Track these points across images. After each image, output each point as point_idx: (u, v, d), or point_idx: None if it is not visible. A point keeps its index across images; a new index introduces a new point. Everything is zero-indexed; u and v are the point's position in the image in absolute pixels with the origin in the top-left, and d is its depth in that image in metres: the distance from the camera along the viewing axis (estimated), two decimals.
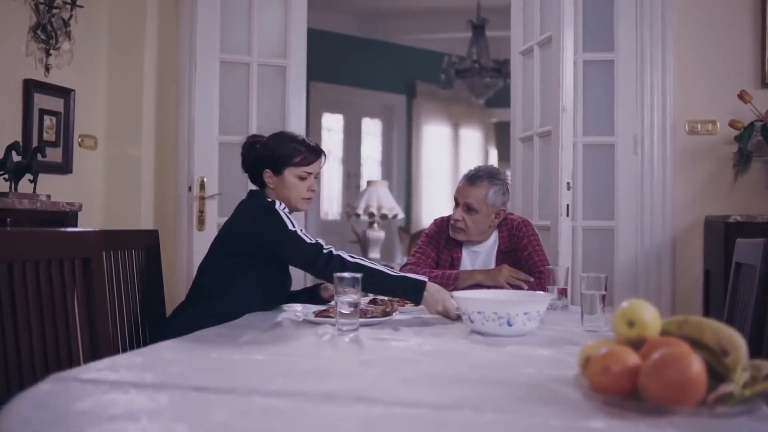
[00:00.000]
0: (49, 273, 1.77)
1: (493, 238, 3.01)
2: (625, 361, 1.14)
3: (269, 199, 2.46)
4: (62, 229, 1.93)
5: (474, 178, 2.95)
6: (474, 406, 1.14)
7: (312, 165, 2.53)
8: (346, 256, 2.24)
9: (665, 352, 1.10)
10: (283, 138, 2.57)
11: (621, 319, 1.26)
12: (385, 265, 2.32)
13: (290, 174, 2.50)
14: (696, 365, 1.07)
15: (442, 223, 3.08)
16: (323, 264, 2.22)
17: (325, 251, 2.24)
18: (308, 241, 2.29)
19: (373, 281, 2.15)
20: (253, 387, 1.25)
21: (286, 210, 2.42)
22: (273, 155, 2.50)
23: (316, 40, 6.39)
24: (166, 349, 1.64)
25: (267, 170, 2.49)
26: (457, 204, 2.96)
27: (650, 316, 1.25)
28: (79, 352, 1.84)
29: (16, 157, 3.25)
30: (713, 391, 1.08)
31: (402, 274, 2.29)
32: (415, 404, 1.15)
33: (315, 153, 2.55)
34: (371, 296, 2.55)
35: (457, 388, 1.27)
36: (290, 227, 2.32)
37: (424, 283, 2.18)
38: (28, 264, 1.71)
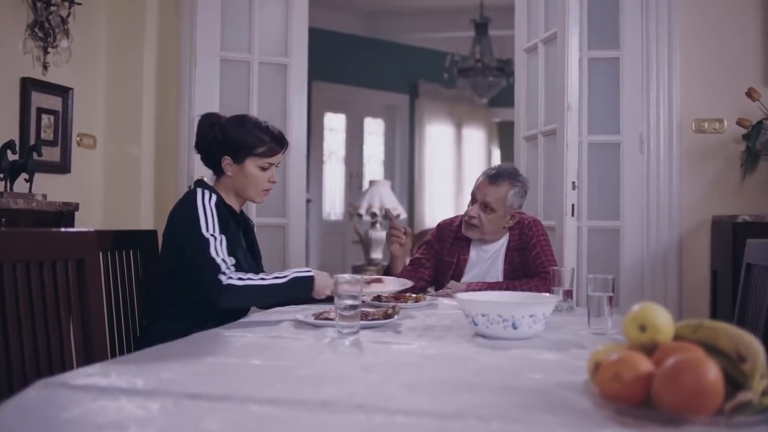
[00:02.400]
0: (41, 275, 1.73)
1: (504, 239, 2.96)
2: (638, 368, 1.09)
3: (199, 188, 2.34)
4: (54, 230, 1.88)
5: (496, 176, 2.89)
6: (479, 414, 1.09)
7: (276, 156, 2.41)
8: (236, 281, 2.10)
9: (680, 359, 1.05)
10: (247, 124, 2.40)
11: (632, 323, 1.21)
12: (272, 276, 2.17)
13: (252, 164, 2.37)
14: (712, 372, 1.02)
15: (444, 227, 3.04)
16: (214, 296, 2.09)
17: (221, 278, 2.09)
18: (213, 255, 2.13)
19: (269, 297, 2.16)
20: (249, 394, 1.20)
21: (213, 203, 2.28)
22: (235, 142, 2.36)
23: (319, 39, 6.36)
24: (160, 353, 1.59)
25: (226, 157, 2.37)
26: (473, 200, 2.91)
27: (663, 320, 1.20)
28: (72, 356, 1.79)
29: (12, 156, 3.21)
30: (730, 399, 1.03)
31: (291, 276, 2.16)
32: (417, 413, 1.10)
33: (280, 143, 2.41)
34: (375, 294, 2.50)
35: (460, 395, 1.22)
36: (204, 229, 2.19)
37: (311, 277, 2.18)
38: (18, 265, 1.66)
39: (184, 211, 2.26)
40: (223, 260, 2.14)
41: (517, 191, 2.88)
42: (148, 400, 1.15)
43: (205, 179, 2.49)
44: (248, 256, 2.43)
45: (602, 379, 1.11)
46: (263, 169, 2.39)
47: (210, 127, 2.40)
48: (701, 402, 1.01)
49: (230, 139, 2.36)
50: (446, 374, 1.42)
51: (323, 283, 2.19)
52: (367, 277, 2.38)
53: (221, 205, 2.33)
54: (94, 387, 1.23)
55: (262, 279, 2.12)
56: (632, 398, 1.08)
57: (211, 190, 2.36)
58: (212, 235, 2.18)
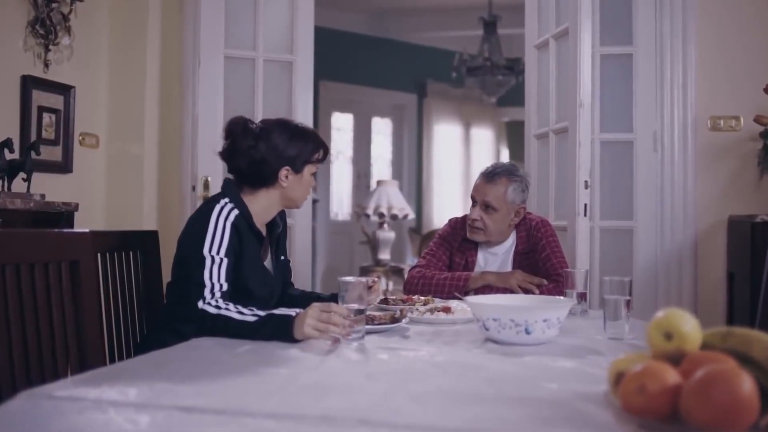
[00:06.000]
0: (33, 277, 1.66)
1: (511, 240, 2.88)
2: (664, 380, 1.01)
3: (222, 201, 2.20)
4: (47, 230, 1.81)
5: (492, 175, 2.82)
6: (492, 429, 1.02)
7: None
8: (211, 308, 1.95)
9: (710, 370, 0.97)
10: (299, 131, 2.33)
11: (657, 331, 1.13)
12: (251, 312, 1.91)
13: (308, 171, 2.33)
14: (746, 385, 0.95)
15: (456, 224, 2.95)
16: (191, 319, 1.98)
17: (199, 302, 1.98)
18: (204, 276, 2.03)
19: (239, 333, 1.87)
20: (245, 406, 1.13)
21: (230, 221, 2.16)
22: (296, 152, 2.28)
23: (326, 38, 6.29)
24: (156, 360, 1.52)
25: (286, 168, 2.27)
26: (474, 203, 2.84)
27: (690, 328, 1.13)
28: (66, 363, 1.72)
29: (10, 156, 3.15)
30: (766, 413, 0.96)
31: (265, 314, 1.89)
32: (425, 427, 1.03)
33: (324, 145, 2.39)
34: (382, 296, 2.42)
35: (472, 407, 1.14)
36: (207, 249, 2.08)
37: (289, 316, 1.85)
38: (8, 267, 1.59)
39: (197, 224, 2.16)
40: (213, 284, 2.04)
41: (516, 186, 2.80)
42: (138, 413, 1.09)
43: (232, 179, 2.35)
44: (266, 274, 2.30)
45: (625, 391, 1.04)
46: (313, 173, 2.36)
47: (256, 138, 2.26)
48: (734, 417, 0.94)
49: (288, 150, 2.27)
50: (456, 384, 1.35)
51: (310, 321, 1.81)
52: (431, 305, 2.28)
53: (242, 222, 2.20)
54: (83, 398, 1.16)
55: (240, 312, 1.93)
56: (658, 412, 1.01)
57: (237, 202, 2.22)
58: (212, 256, 2.08)
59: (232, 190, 2.27)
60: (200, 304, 1.97)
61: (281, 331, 1.81)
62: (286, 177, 2.27)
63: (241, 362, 1.55)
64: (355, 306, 1.76)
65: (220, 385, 1.31)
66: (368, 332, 1.82)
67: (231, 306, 1.94)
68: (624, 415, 1.04)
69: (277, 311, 1.89)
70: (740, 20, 3.77)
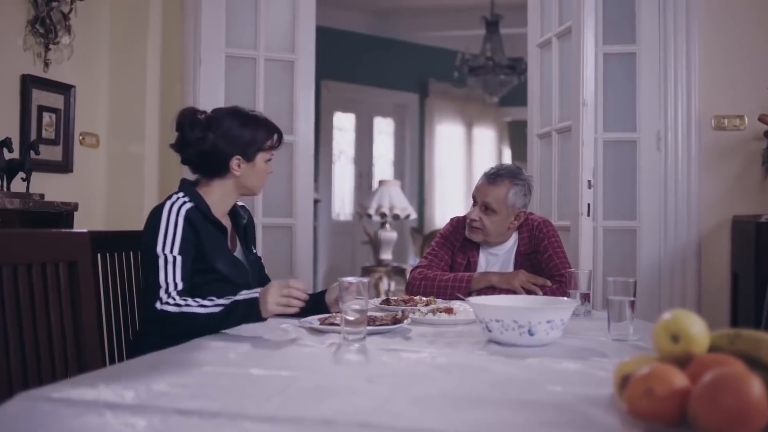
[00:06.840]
0: (30, 278, 1.64)
1: (513, 241, 2.85)
2: (672, 383, 0.99)
3: (173, 196, 2.20)
4: (44, 230, 1.79)
5: (495, 176, 2.79)
6: None
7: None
8: (171, 307, 1.97)
9: (719, 374, 0.95)
10: (249, 119, 2.30)
11: (663, 333, 1.11)
12: (213, 303, 1.95)
13: (261, 159, 2.31)
14: (756, 388, 0.92)
15: (458, 224, 2.93)
16: (149, 322, 2.01)
17: (156, 304, 1.98)
18: (158, 277, 2.03)
19: (207, 326, 1.90)
20: (244, 409, 1.11)
21: (182, 215, 2.15)
22: (246, 140, 2.26)
23: (328, 38, 6.28)
24: (154, 362, 1.50)
25: (237, 157, 2.25)
26: (475, 203, 2.81)
27: (697, 330, 1.10)
28: (64, 364, 1.70)
29: (9, 155, 3.13)
30: None
31: (230, 302, 1.94)
32: None
33: (278, 132, 2.37)
34: (384, 296, 2.41)
35: (474, 411, 1.12)
36: (160, 247, 2.08)
37: (255, 299, 1.91)
38: (5, 268, 1.57)
39: (150, 221, 2.15)
40: (168, 284, 2.03)
41: (517, 190, 2.76)
42: (134, 416, 1.07)
43: (188, 179, 2.35)
44: (238, 262, 2.29)
45: (632, 395, 1.02)
46: (267, 161, 2.34)
47: (202, 129, 2.26)
48: (744, 422, 0.91)
49: (238, 139, 2.26)
50: (459, 387, 1.32)
51: (272, 299, 1.89)
52: (433, 306, 2.26)
53: (196, 214, 2.18)
54: (79, 401, 1.14)
55: (202, 306, 1.94)
56: (665, 417, 0.98)
57: (191, 195, 2.22)
58: (165, 254, 2.07)
59: (186, 183, 2.30)
60: (158, 305, 1.99)
61: (251, 314, 1.89)
62: (238, 166, 2.27)
63: (238, 365, 1.53)
64: (356, 306, 1.73)
65: (217, 388, 1.29)
66: (370, 333, 1.80)
67: (191, 301, 1.96)
68: (630, 420, 1.02)
69: (240, 297, 1.94)
70: (744, 19, 3.75)
